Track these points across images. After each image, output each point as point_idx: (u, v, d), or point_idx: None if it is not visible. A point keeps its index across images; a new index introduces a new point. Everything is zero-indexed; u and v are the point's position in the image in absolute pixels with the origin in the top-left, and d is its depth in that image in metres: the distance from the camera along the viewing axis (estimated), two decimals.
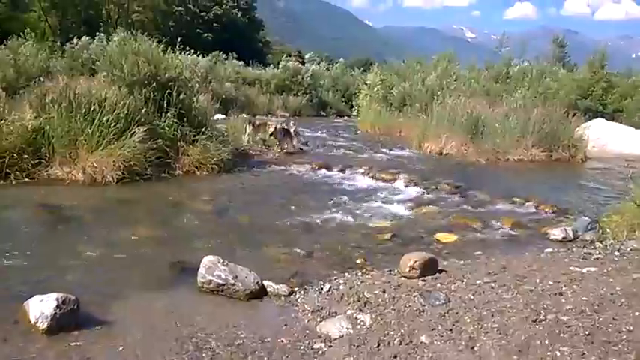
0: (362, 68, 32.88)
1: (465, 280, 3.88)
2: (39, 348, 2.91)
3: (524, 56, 17.91)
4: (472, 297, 3.48)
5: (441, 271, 4.15)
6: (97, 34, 19.13)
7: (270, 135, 10.99)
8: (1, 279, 3.86)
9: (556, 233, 5.74)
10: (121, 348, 2.90)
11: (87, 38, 19.75)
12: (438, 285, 3.79)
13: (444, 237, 5.66)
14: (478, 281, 3.80)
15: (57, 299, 3.06)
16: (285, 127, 11.46)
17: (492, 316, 3.12)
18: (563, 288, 3.51)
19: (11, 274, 4.00)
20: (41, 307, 3.06)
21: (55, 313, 3.02)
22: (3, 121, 7.35)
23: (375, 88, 18.74)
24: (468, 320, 3.08)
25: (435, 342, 2.84)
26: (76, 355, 2.80)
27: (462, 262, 4.60)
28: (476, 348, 2.74)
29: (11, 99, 8.59)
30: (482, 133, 12.33)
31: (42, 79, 9.77)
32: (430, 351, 2.75)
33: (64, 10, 37.59)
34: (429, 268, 4.08)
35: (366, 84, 19.91)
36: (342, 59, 37.45)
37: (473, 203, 7.52)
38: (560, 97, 16.33)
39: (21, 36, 17.97)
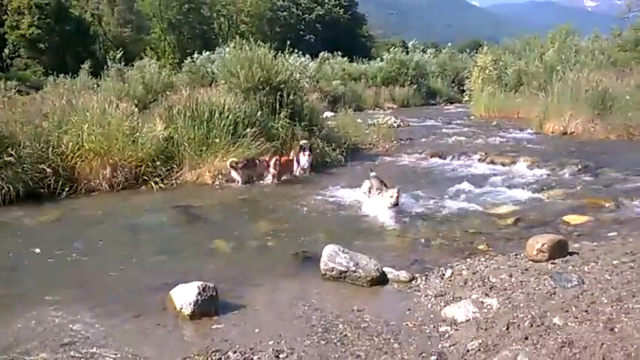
0: (471, 51, 31.65)
1: (599, 261, 3.63)
2: (185, 331, 3.24)
3: None
4: (609, 278, 3.25)
5: (572, 253, 3.93)
6: (217, 48, 20.38)
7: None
8: (148, 272, 4.33)
9: None
10: (256, 330, 3.11)
11: (205, 52, 21.11)
12: (570, 267, 3.59)
13: (573, 219, 5.31)
14: (615, 262, 3.54)
15: (198, 287, 3.37)
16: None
17: (634, 296, 2.88)
18: None
19: (157, 267, 4.46)
20: (184, 295, 3.39)
21: (197, 299, 3.33)
22: (138, 133, 8.15)
23: (487, 70, 17.97)
24: (606, 301, 2.88)
25: (570, 324, 2.70)
26: (217, 337, 3.06)
27: (594, 243, 4.32)
28: (616, 329, 2.56)
29: (142, 113, 9.48)
30: (610, 108, 11.34)
31: (167, 92, 10.67)
32: (564, 333, 2.61)
33: (180, 29, 40.67)
34: (559, 250, 3.88)
35: (476, 66, 19.14)
36: (449, 44, 36.25)
37: (604, 182, 6.98)
38: None
39: (144, 56, 19.73)
